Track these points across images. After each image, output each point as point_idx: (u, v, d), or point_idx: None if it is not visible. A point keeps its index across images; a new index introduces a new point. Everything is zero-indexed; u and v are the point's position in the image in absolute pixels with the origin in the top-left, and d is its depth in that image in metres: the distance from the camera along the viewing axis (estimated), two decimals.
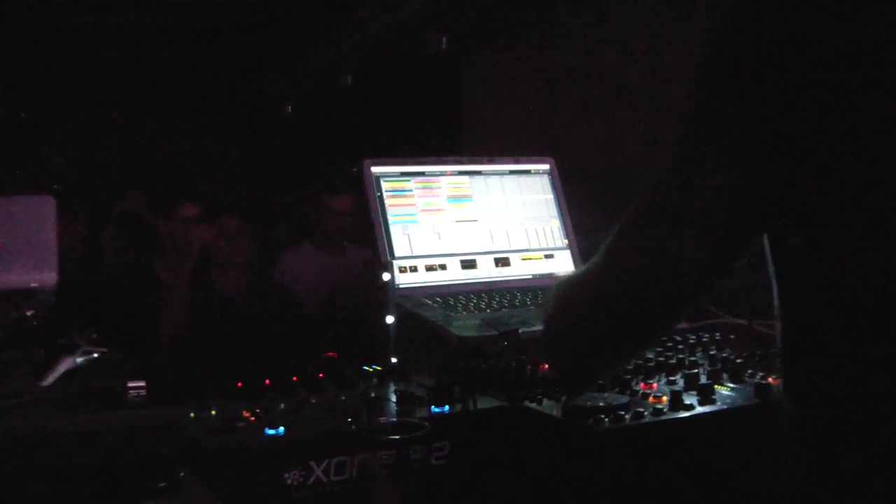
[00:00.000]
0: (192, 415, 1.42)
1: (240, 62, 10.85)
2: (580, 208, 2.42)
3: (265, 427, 1.40)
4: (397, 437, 1.34)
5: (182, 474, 1.24)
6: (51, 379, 1.29)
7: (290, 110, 11.08)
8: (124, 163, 13.22)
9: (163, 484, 1.21)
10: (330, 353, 1.97)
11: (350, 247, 4.48)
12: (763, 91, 1.00)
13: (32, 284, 1.66)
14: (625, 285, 1.09)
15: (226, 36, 9.59)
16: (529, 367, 1.74)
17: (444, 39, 7.14)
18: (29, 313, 1.63)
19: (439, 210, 2.15)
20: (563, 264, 2.24)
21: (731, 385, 1.61)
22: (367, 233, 4.39)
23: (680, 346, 1.93)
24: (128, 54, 10.26)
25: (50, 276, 1.69)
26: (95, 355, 1.39)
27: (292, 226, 5.48)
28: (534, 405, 1.51)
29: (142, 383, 1.34)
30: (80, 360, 1.36)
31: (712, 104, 1.04)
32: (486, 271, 2.14)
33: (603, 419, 1.39)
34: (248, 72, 11.17)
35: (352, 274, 4.00)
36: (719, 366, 1.72)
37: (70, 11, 8.04)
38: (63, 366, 1.32)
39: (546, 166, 2.33)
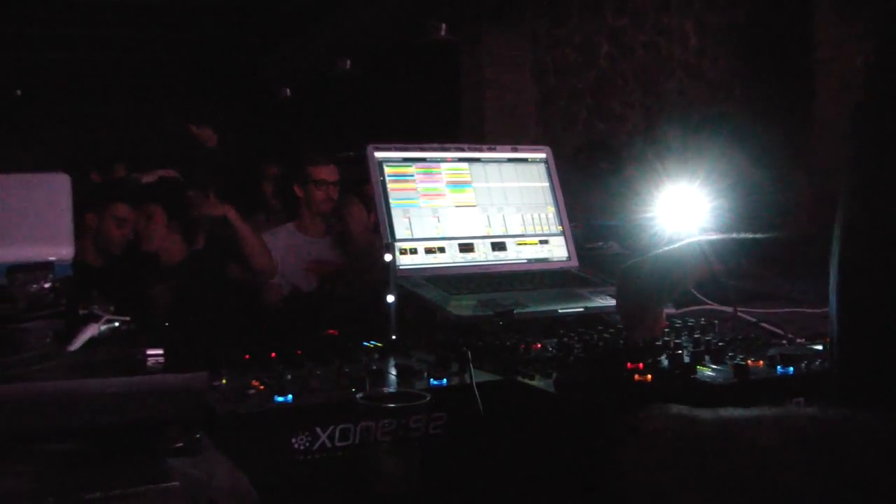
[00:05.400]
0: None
1: (237, 44, 10.89)
2: (574, 195, 2.52)
3: (274, 395, 1.49)
4: (398, 406, 1.43)
5: (198, 436, 1.32)
6: (77, 345, 1.38)
7: (288, 93, 11.13)
8: (116, 145, 13.25)
9: (180, 444, 1.30)
10: (331, 331, 2.07)
11: (331, 227, 4.62)
12: None
13: (49, 258, 1.74)
14: None
15: (224, 18, 9.62)
16: (523, 345, 1.83)
17: (443, 26, 7.22)
18: (47, 286, 1.71)
19: (439, 195, 2.24)
20: (557, 249, 2.33)
21: (713, 366, 1.71)
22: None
23: (666, 330, 2.03)
24: (123, 36, 10.29)
25: (66, 251, 1.77)
26: (117, 324, 1.47)
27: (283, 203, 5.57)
28: (526, 380, 1.61)
29: (159, 351, 1.42)
30: (102, 328, 1.45)
31: None
32: (483, 255, 2.24)
33: (591, 393, 1.49)
34: (245, 54, 11.22)
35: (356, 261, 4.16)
36: (702, 348, 1.82)
37: None
38: (88, 333, 1.40)
39: (542, 155, 2.43)
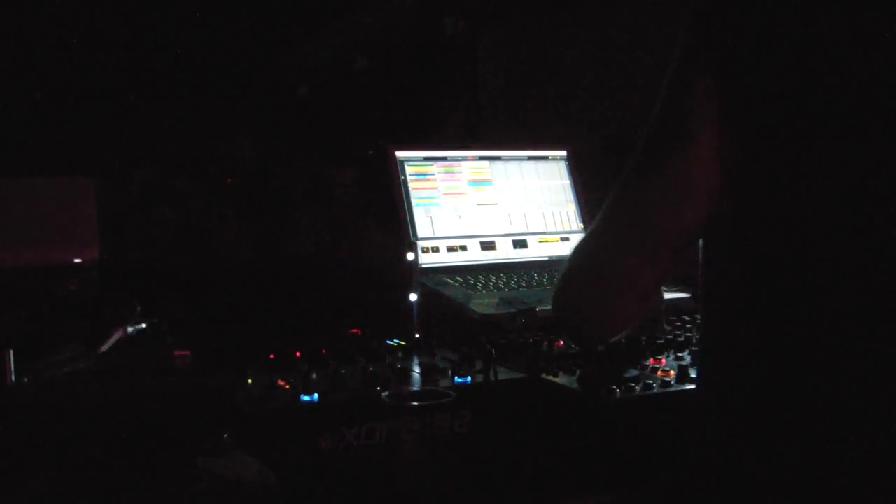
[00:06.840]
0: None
1: (254, 42, 10.92)
2: (594, 193, 2.52)
3: (301, 394, 1.50)
4: (424, 404, 1.43)
5: (226, 436, 1.34)
6: (106, 347, 1.39)
7: (304, 91, 11.17)
8: (129, 143, 13.24)
9: (208, 444, 1.31)
10: (354, 330, 2.08)
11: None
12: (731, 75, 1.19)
13: (76, 260, 1.76)
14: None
15: (240, 16, 9.64)
16: (546, 342, 1.83)
17: (461, 24, 7.21)
18: (72, 288, 1.73)
19: (460, 193, 2.25)
20: None
21: None
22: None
23: (688, 326, 2.03)
24: (139, 33, 10.34)
25: (92, 253, 1.78)
26: (144, 326, 1.49)
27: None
28: (550, 377, 1.61)
29: (187, 352, 1.43)
30: (130, 329, 1.46)
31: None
32: (504, 252, 2.24)
33: (614, 390, 1.49)
34: (262, 52, 11.24)
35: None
36: None
37: None
38: (117, 335, 1.42)
39: (563, 153, 2.43)
